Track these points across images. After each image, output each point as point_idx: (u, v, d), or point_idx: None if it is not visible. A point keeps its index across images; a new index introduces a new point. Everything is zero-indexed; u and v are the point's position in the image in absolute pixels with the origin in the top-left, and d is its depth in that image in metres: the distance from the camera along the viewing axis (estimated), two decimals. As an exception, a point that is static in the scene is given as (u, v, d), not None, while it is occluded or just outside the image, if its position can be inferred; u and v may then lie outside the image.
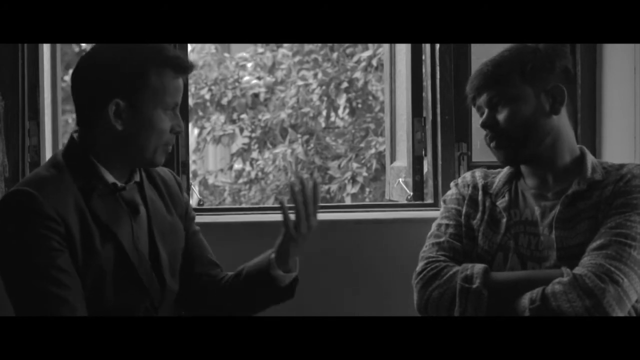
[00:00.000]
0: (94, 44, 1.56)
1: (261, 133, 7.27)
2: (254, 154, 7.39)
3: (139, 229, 1.55)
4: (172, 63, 1.51)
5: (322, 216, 2.26)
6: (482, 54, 1.98)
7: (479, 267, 1.57)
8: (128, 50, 1.50)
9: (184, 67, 1.54)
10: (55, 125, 2.47)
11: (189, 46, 3.97)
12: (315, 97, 6.96)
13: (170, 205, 1.65)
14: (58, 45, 2.50)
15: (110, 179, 1.52)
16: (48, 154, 2.28)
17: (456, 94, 2.26)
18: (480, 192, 1.73)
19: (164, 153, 1.56)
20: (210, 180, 7.67)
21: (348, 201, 6.56)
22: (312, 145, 7.02)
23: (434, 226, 1.75)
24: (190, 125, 6.80)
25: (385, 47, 2.93)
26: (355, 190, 6.56)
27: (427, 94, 2.36)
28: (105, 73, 1.49)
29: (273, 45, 7.40)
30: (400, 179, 2.53)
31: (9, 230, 1.42)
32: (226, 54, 7.79)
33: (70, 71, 1.56)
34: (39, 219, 1.41)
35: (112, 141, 1.50)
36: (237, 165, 7.58)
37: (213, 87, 7.30)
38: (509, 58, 1.66)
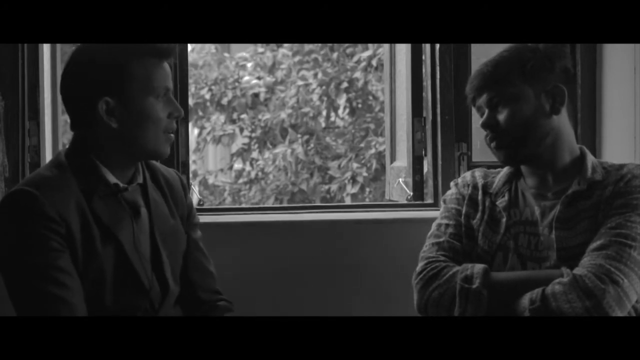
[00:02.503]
0: (73, 50, 1.54)
1: (261, 133, 7.28)
2: (254, 154, 7.40)
3: (140, 231, 1.54)
4: (150, 50, 1.50)
5: (322, 216, 2.28)
6: (482, 54, 1.98)
7: (478, 267, 1.57)
8: (106, 49, 1.49)
9: (163, 51, 1.52)
10: (55, 125, 2.47)
11: (189, 46, 3.98)
12: (315, 97, 6.97)
13: (173, 207, 1.65)
14: (58, 45, 2.50)
15: (112, 179, 1.51)
16: (48, 154, 2.28)
17: (456, 94, 2.26)
18: (480, 192, 1.73)
19: (167, 142, 1.54)
20: (210, 180, 7.68)
21: (348, 201, 6.56)
22: (312, 145, 7.02)
23: (434, 226, 1.75)
24: (190, 125, 6.80)
25: (385, 47, 2.93)
26: (355, 190, 6.57)
27: (427, 94, 2.36)
28: (88, 75, 1.48)
29: (273, 45, 7.40)
30: (400, 179, 2.53)
31: (10, 230, 1.42)
32: (226, 54, 7.79)
33: (70, 71, 1.56)
34: (39, 219, 1.40)
35: (111, 140, 1.50)
36: (237, 165, 7.59)
37: (213, 87, 7.30)
38: (508, 58, 1.65)
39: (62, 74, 1.52)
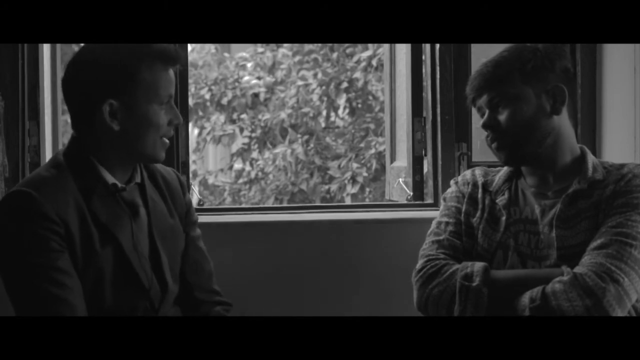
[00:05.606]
0: (79, 48, 1.54)
1: (261, 133, 7.28)
2: (254, 154, 7.40)
3: (138, 231, 1.55)
4: (160, 55, 1.50)
5: (322, 216, 2.28)
6: (482, 54, 1.98)
7: (478, 265, 1.57)
8: (115, 50, 1.49)
9: (173, 58, 1.53)
10: (55, 125, 2.48)
11: (189, 46, 3.98)
12: (315, 97, 6.97)
13: (171, 206, 1.65)
14: (58, 45, 2.50)
15: (111, 179, 1.51)
16: (48, 154, 2.28)
17: (456, 94, 2.26)
18: (480, 190, 1.73)
19: (163, 147, 1.55)
20: (210, 180, 7.68)
21: (348, 201, 6.56)
22: (312, 145, 7.02)
23: (433, 224, 1.75)
24: (190, 125, 6.80)
25: (385, 47, 2.93)
26: (355, 190, 6.57)
27: (427, 94, 2.36)
28: (95, 75, 1.48)
29: (273, 45, 7.41)
30: (400, 179, 2.53)
31: (9, 231, 1.42)
32: (226, 54, 7.79)
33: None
34: (38, 219, 1.40)
35: (110, 141, 1.50)
36: (237, 165, 7.59)
37: (213, 87, 7.30)
38: (508, 58, 1.65)
39: (65, 72, 1.52)
